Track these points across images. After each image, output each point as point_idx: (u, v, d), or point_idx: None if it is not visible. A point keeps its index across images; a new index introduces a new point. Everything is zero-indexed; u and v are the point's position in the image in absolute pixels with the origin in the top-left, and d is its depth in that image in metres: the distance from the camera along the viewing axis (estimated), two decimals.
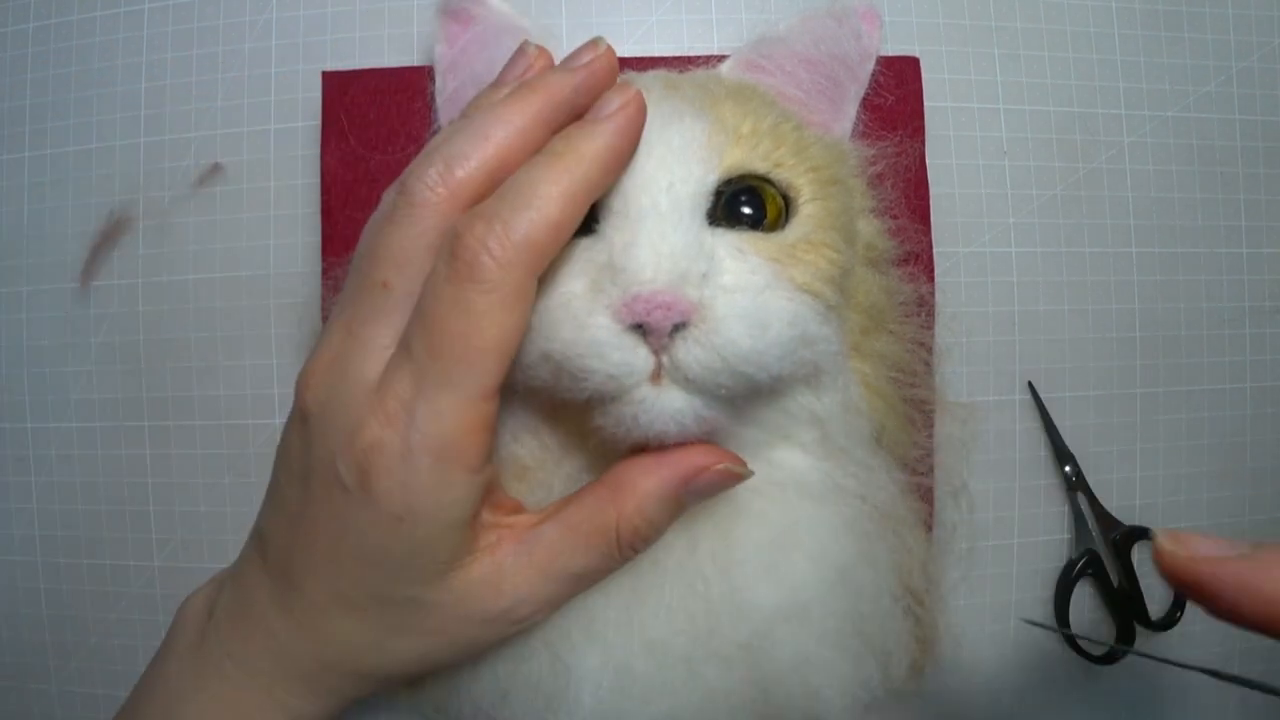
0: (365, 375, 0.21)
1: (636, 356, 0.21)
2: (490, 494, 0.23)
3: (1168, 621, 0.34)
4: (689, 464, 0.23)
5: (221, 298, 0.35)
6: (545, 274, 0.21)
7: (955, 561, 0.33)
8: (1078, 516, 0.34)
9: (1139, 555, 0.34)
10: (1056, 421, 0.35)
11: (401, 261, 0.21)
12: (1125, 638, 0.34)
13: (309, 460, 0.22)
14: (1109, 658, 0.34)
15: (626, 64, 0.31)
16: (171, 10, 0.35)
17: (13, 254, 0.36)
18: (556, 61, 0.24)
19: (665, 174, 0.23)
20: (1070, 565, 0.34)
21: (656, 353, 0.22)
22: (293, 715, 0.24)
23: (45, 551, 0.35)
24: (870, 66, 0.31)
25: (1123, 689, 0.35)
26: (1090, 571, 0.34)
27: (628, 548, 0.23)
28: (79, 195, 0.35)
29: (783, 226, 0.24)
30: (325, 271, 0.32)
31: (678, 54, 0.34)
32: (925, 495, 0.32)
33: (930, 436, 0.32)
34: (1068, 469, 0.35)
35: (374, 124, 0.33)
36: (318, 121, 0.33)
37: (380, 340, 0.21)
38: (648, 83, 0.26)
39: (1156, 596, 0.34)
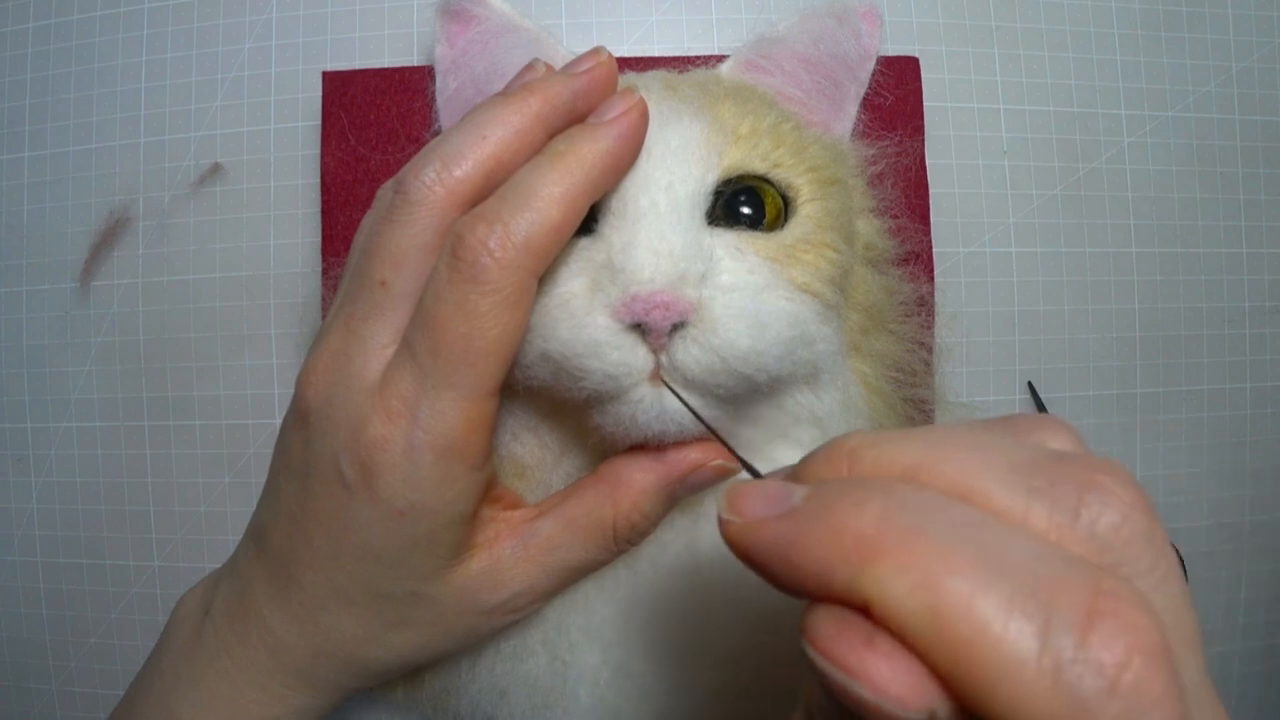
0: (366, 373, 0.21)
1: (635, 356, 0.21)
2: (489, 489, 0.23)
3: None
4: (684, 461, 0.23)
5: (221, 298, 0.35)
6: (544, 273, 0.21)
7: None
8: None
9: None
10: None
11: (399, 259, 0.21)
12: None
13: (309, 456, 0.22)
14: None
15: (626, 64, 0.31)
16: (171, 10, 0.35)
17: (13, 254, 0.36)
18: None
19: (664, 174, 0.23)
20: None
21: (655, 352, 0.22)
22: (290, 708, 0.24)
23: (45, 551, 0.35)
24: (870, 66, 0.30)
25: None
26: None
27: (624, 541, 0.24)
28: (79, 195, 0.35)
29: (782, 226, 0.24)
30: (325, 271, 0.32)
31: (677, 54, 0.34)
32: None
33: None
34: None
35: (374, 124, 0.33)
36: (318, 121, 0.33)
37: (380, 338, 0.21)
38: (647, 83, 0.26)
39: None
